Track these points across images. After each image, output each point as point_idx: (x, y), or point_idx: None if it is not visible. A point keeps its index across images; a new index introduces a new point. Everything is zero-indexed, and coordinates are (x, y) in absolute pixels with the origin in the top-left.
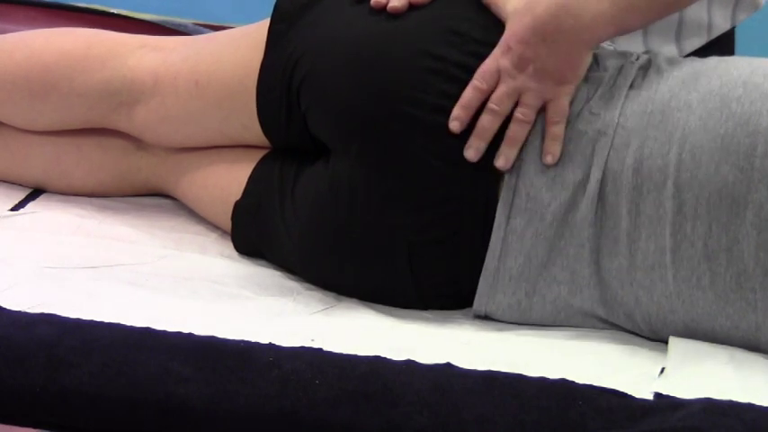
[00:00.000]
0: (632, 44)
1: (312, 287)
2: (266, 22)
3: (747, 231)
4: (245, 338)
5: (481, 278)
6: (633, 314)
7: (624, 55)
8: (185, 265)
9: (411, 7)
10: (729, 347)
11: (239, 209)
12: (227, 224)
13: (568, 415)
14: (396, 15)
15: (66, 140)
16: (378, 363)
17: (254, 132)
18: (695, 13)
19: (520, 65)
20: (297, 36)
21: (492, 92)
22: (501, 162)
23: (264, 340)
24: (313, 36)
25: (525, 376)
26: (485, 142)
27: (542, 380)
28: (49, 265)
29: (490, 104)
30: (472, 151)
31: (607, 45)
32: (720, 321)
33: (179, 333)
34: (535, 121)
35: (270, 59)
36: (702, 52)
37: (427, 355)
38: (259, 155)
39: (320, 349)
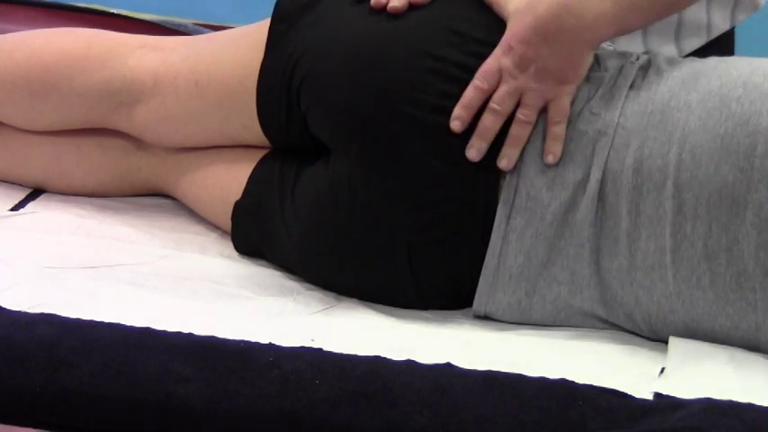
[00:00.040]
0: (632, 44)
1: (312, 287)
2: (266, 23)
3: (747, 231)
4: (245, 338)
5: (481, 277)
6: (633, 314)
7: (624, 55)
8: (185, 265)
9: (411, 7)
10: (729, 347)
11: (239, 209)
12: (227, 224)
13: (568, 415)
14: (396, 15)
15: (66, 140)
16: (378, 363)
17: (254, 132)
18: (694, 13)
19: (521, 65)
20: (297, 36)
21: (493, 92)
22: (504, 163)
23: (264, 340)
24: (313, 36)
25: (525, 376)
26: (486, 142)
27: (542, 380)
28: (49, 265)
29: (492, 104)
30: (474, 151)
31: (607, 45)
32: (720, 321)
33: (179, 333)
34: (536, 120)
35: (270, 59)
36: (702, 52)
37: (427, 355)
38: (259, 155)
39: (320, 349)
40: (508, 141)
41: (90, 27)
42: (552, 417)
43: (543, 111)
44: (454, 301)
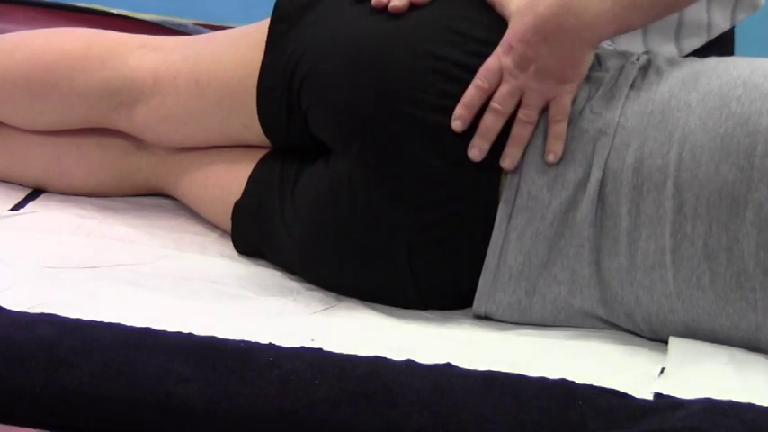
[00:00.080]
0: (632, 44)
1: (312, 287)
2: (266, 23)
3: (747, 231)
4: (245, 338)
5: (481, 276)
6: (633, 314)
7: (625, 55)
8: (185, 265)
9: (412, 7)
10: (729, 347)
11: (239, 209)
12: (228, 224)
13: (568, 415)
14: (397, 15)
15: (66, 140)
16: (378, 363)
17: (255, 132)
18: (695, 12)
19: (521, 64)
20: (297, 36)
21: (494, 91)
22: (507, 162)
23: (264, 340)
24: (314, 36)
25: (525, 376)
26: (488, 142)
27: (542, 380)
28: (49, 265)
29: (493, 104)
30: (476, 151)
31: (607, 45)
32: (720, 321)
33: (179, 333)
34: (538, 120)
35: (270, 59)
36: (702, 52)
37: (427, 355)
38: (259, 155)
39: (320, 349)
40: (510, 141)
41: (90, 27)
42: (552, 417)
43: (544, 110)
44: (454, 301)
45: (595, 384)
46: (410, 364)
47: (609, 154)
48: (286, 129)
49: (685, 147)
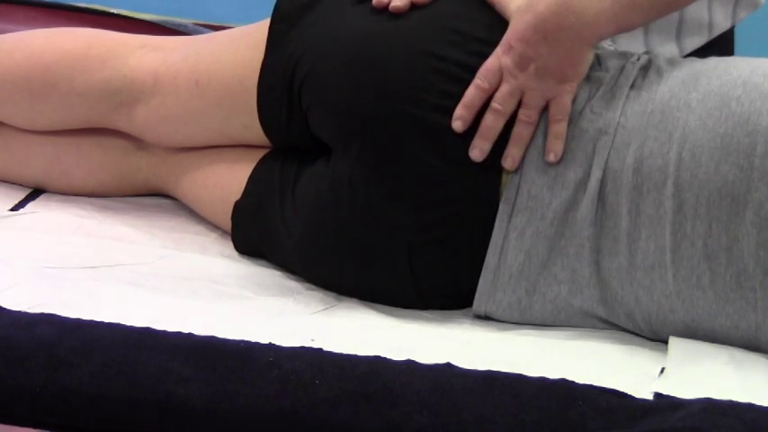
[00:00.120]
0: (633, 43)
1: (312, 287)
2: (266, 23)
3: (747, 230)
4: (245, 338)
5: (481, 276)
6: (633, 314)
7: (625, 55)
8: (185, 265)
9: (413, 7)
10: (729, 347)
11: (239, 209)
12: (228, 224)
13: (568, 415)
14: (397, 15)
15: (66, 140)
16: (378, 363)
17: (255, 132)
18: (696, 11)
19: (521, 64)
20: (298, 36)
21: (495, 91)
22: (509, 163)
23: (264, 340)
24: (314, 36)
25: (525, 376)
26: (489, 142)
27: (542, 380)
28: (49, 265)
29: (493, 104)
30: (477, 151)
31: (608, 45)
32: (720, 321)
33: (179, 333)
34: (538, 119)
35: (271, 59)
36: (702, 52)
37: (427, 355)
38: (259, 154)
39: (320, 349)
40: (511, 141)
41: (90, 27)
42: (552, 417)
43: (545, 110)
44: (454, 301)
45: (595, 384)
46: (410, 364)
47: (609, 154)
48: (286, 129)
49: (685, 146)
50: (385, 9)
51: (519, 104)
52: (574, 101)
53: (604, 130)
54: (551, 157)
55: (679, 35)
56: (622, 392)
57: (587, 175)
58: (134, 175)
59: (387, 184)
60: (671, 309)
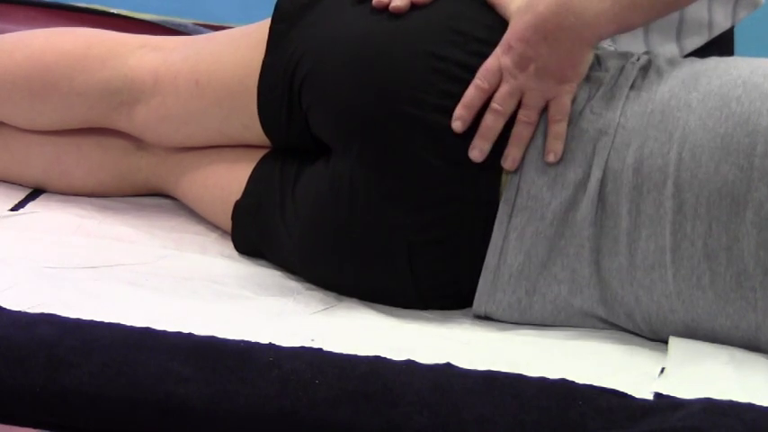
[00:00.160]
0: (633, 43)
1: (312, 287)
2: (266, 23)
3: (747, 230)
4: (245, 338)
5: (481, 276)
6: (633, 314)
7: (625, 55)
8: (185, 265)
9: (413, 7)
10: (729, 347)
11: (239, 209)
12: (228, 224)
13: (568, 415)
14: (397, 15)
15: (66, 140)
16: (378, 363)
17: (255, 132)
18: (696, 11)
19: (521, 64)
20: (298, 36)
21: (494, 91)
22: (509, 163)
23: (264, 340)
24: (314, 36)
25: (525, 376)
26: (489, 142)
27: (542, 380)
28: (49, 265)
29: (493, 104)
30: (477, 152)
31: (608, 45)
32: (720, 321)
33: (179, 333)
34: (538, 120)
35: (271, 59)
36: (701, 52)
37: (427, 355)
38: (260, 154)
39: (320, 349)
40: (511, 141)
41: (90, 27)
42: (552, 417)
43: (545, 110)
44: (454, 301)
45: (595, 384)
46: (410, 364)
47: (609, 154)
48: (286, 129)
49: (685, 146)
50: (385, 9)
51: (519, 105)
52: (574, 101)
53: (604, 131)
54: (551, 158)
55: (679, 35)
56: (622, 392)
57: (587, 176)
58: (134, 175)
59: (387, 184)
60: (671, 309)
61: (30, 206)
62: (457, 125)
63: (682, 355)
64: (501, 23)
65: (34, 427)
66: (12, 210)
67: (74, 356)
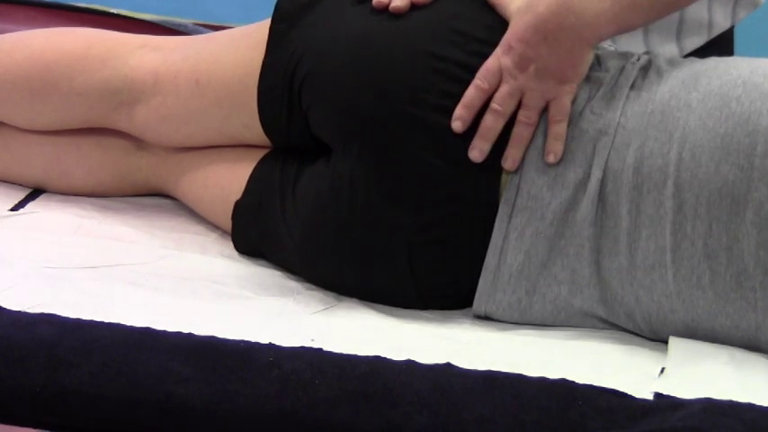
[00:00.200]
0: (633, 43)
1: (312, 287)
2: (266, 23)
3: (747, 230)
4: (245, 338)
5: (481, 276)
6: (633, 314)
7: (625, 56)
8: (185, 265)
9: (413, 7)
10: (729, 347)
11: (240, 208)
12: (228, 224)
13: (568, 415)
14: (397, 15)
15: (66, 140)
16: (378, 363)
17: (255, 132)
18: (696, 11)
19: (521, 64)
20: (298, 36)
21: (494, 91)
22: (509, 163)
23: (264, 340)
24: (314, 36)
25: (525, 376)
26: (489, 143)
27: (542, 380)
28: (49, 265)
29: (493, 104)
30: (476, 152)
31: (608, 45)
32: (720, 321)
33: (179, 333)
34: (538, 120)
35: (271, 59)
36: (701, 52)
37: (427, 355)
38: (260, 154)
39: (320, 349)
40: (511, 142)
41: (90, 27)
42: (552, 417)
43: (545, 110)
44: (454, 301)
45: (595, 384)
46: (410, 364)
47: (609, 154)
48: (287, 128)
49: (685, 146)
50: (385, 9)
51: (519, 105)
52: (574, 101)
53: (604, 131)
54: (551, 158)
55: (679, 35)
56: (622, 392)
57: (587, 176)
58: (134, 174)
59: (387, 184)
60: (671, 309)
61: (30, 206)
62: (457, 125)
63: (682, 355)
64: (501, 24)
65: (34, 427)
66: (12, 210)
67: (74, 356)
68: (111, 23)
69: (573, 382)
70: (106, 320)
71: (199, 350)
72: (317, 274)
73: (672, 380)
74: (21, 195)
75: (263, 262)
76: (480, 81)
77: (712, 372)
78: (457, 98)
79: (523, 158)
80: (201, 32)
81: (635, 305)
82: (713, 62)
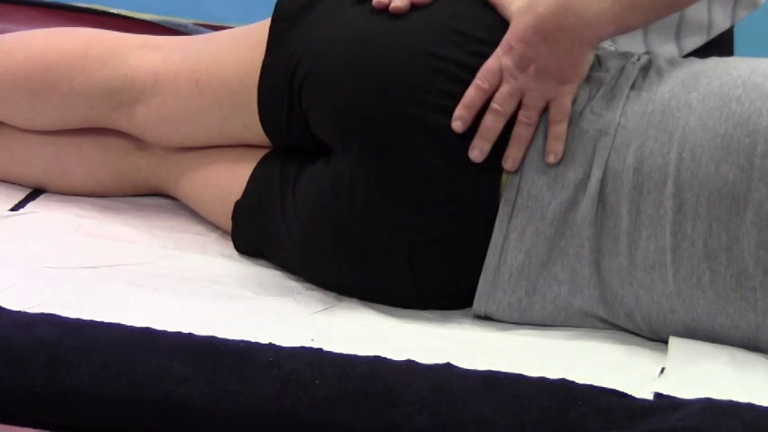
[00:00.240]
0: (632, 43)
1: (312, 287)
2: (266, 23)
3: (747, 230)
4: (245, 338)
5: (481, 276)
6: (633, 314)
7: (625, 56)
8: (185, 265)
9: (413, 7)
10: (729, 347)
11: (240, 208)
12: (228, 224)
13: (568, 415)
14: (397, 15)
15: (66, 140)
16: (378, 363)
17: (255, 132)
18: (695, 11)
19: (521, 64)
20: (298, 36)
21: (495, 91)
22: (509, 164)
23: (264, 340)
24: (314, 36)
25: (525, 376)
26: (489, 143)
27: (542, 380)
28: (49, 265)
29: (493, 104)
30: (476, 152)
31: (608, 45)
32: (720, 321)
33: (179, 333)
34: (538, 121)
35: (271, 59)
36: (701, 52)
37: (427, 355)
38: (260, 154)
39: (320, 349)
40: (511, 142)
41: (90, 27)
42: (552, 417)
43: (545, 110)
44: (454, 301)
45: (595, 384)
46: (410, 364)
47: (609, 154)
48: (287, 128)
49: (685, 146)
50: (385, 9)
51: (519, 105)
52: (574, 101)
53: (605, 131)
54: (551, 158)
55: (678, 35)
56: (622, 392)
57: (587, 176)
58: (134, 174)
59: (387, 184)
60: (671, 309)
61: (30, 206)
62: (457, 125)
63: (682, 355)
64: (501, 24)
65: (34, 427)
66: (12, 210)
67: (74, 356)
68: (111, 23)
69: (573, 382)
70: (106, 320)
71: (199, 350)
72: (317, 274)
73: (672, 380)
74: (21, 195)
75: (263, 262)
76: (481, 81)
77: (712, 372)
78: (457, 98)
79: (524, 158)
80: (201, 32)
81: (635, 305)
82: (713, 62)
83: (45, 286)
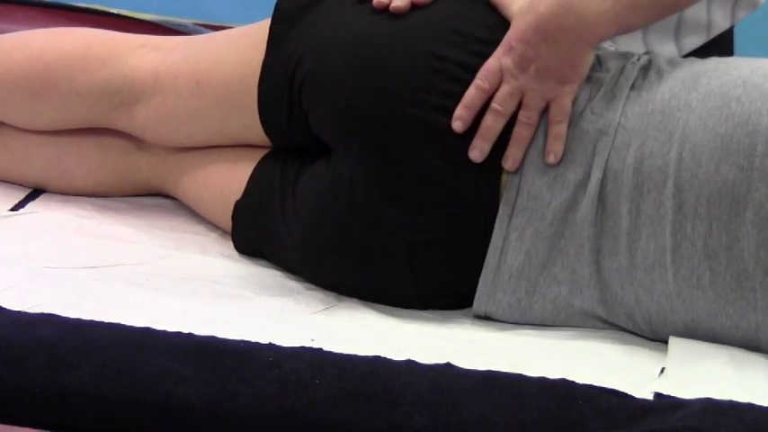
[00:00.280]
0: (632, 43)
1: (312, 287)
2: (266, 23)
3: (747, 230)
4: (245, 338)
5: (481, 276)
6: (633, 314)
7: (625, 56)
8: (185, 265)
9: (413, 7)
10: (729, 347)
11: (240, 208)
12: (228, 224)
13: (568, 415)
14: (398, 15)
15: (66, 140)
16: (378, 363)
17: (255, 132)
18: (695, 11)
19: (522, 64)
20: (298, 36)
21: (495, 91)
22: (509, 164)
23: (264, 340)
24: (314, 36)
25: (525, 376)
26: (489, 143)
27: (542, 380)
28: (49, 265)
29: (493, 104)
30: (477, 152)
31: (608, 45)
32: (720, 321)
33: (179, 333)
34: (538, 121)
35: (271, 59)
36: (701, 52)
37: (427, 355)
38: (260, 154)
39: (320, 349)
40: (512, 142)
41: (90, 27)
42: (552, 417)
43: (545, 110)
44: (454, 301)
45: (595, 384)
46: (410, 364)
47: (609, 154)
48: (287, 128)
49: (685, 146)
50: (385, 9)
51: (519, 105)
52: (574, 102)
53: (605, 131)
54: (551, 159)
55: (677, 35)
56: (622, 392)
57: (587, 176)
58: (134, 174)
59: (387, 184)
60: (671, 309)
61: (30, 206)
62: (457, 125)
63: (682, 355)
64: (502, 24)
65: (34, 427)
66: (12, 210)
67: (74, 356)
68: (111, 23)
69: (573, 382)
70: (106, 320)
71: (199, 350)
72: (317, 274)
73: (672, 380)
74: (21, 195)
75: (263, 262)
76: (481, 81)
77: (712, 372)
78: (457, 98)
79: (524, 159)
80: (201, 32)
81: (635, 305)
82: (713, 62)
83: (45, 286)
